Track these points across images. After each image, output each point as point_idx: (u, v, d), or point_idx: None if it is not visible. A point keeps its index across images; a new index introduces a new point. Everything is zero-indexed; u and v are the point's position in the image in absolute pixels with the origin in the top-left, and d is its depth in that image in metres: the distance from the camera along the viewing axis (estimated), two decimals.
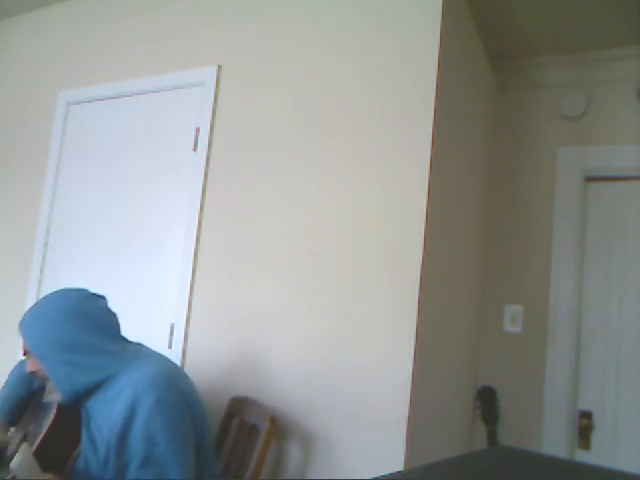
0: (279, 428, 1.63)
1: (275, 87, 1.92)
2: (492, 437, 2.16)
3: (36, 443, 1.30)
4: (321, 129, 1.80)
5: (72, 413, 1.34)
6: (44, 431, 1.31)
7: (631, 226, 2.21)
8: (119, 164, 2.24)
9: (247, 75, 1.99)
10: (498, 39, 2.26)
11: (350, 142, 1.74)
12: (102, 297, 1.39)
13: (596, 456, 2.11)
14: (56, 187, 2.41)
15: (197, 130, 2.05)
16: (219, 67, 2.06)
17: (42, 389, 1.44)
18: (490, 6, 2.04)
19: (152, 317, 2.01)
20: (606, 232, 2.25)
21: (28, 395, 1.49)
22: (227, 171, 1.97)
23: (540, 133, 2.39)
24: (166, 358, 1.38)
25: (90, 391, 1.25)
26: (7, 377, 1.55)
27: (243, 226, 1.89)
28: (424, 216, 1.58)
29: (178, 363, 1.88)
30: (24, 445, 1.29)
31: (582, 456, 2.13)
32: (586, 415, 2.16)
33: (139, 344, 1.42)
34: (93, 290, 1.39)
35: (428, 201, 1.59)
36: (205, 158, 2.01)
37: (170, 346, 1.93)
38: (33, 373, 1.30)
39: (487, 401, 2.22)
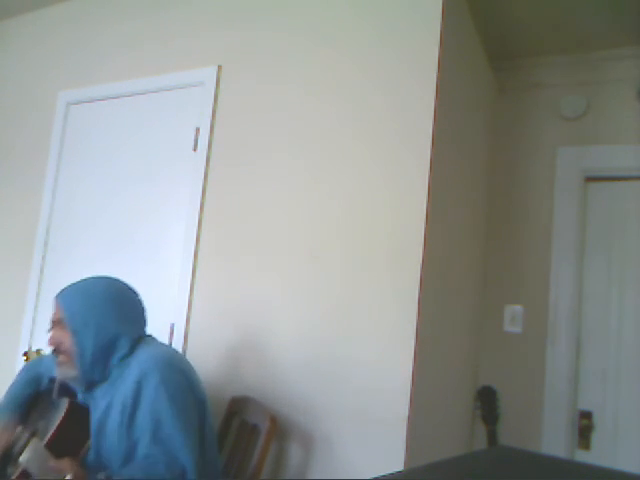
0: (279, 428, 1.63)
1: (275, 87, 1.92)
2: (492, 437, 2.16)
3: (47, 437, 1.31)
4: (321, 129, 1.80)
5: (82, 410, 1.36)
6: (55, 426, 1.33)
7: (631, 226, 2.21)
8: (119, 164, 2.24)
9: (247, 75, 2.00)
10: (498, 39, 2.25)
11: (350, 142, 1.74)
12: (137, 292, 1.46)
13: (596, 456, 2.11)
14: (56, 187, 2.41)
15: (197, 130, 2.05)
16: (219, 67, 2.06)
17: (50, 390, 1.46)
18: (490, 6, 2.04)
19: (152, 317, 2.00)
20: (606, 232, 2.25)
21: (36, 394, 1.51)
22: (227, 171, 1.97)
23: (540, 133, 2.39)
24: (170, 346, 1.48)
25: (105, 378, 1.31)
26: (16, 376, 1.56)
27: (243, 226, 1.89)
28: (424, 216, 1.58)
29: None
30: (34, 440, 1.30)
31: (582, 456, 2.13)
32: (586, 415, 2.16)
33: (150, 336, 1.48)
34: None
35: (428, 201, 1.59)
36: (205, 158, 2.01)
37: (170, 345, 1.93)
38: (55, 345, 1.32)
39: (487, 401, 2.22)
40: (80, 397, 1.39)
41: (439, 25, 1.65)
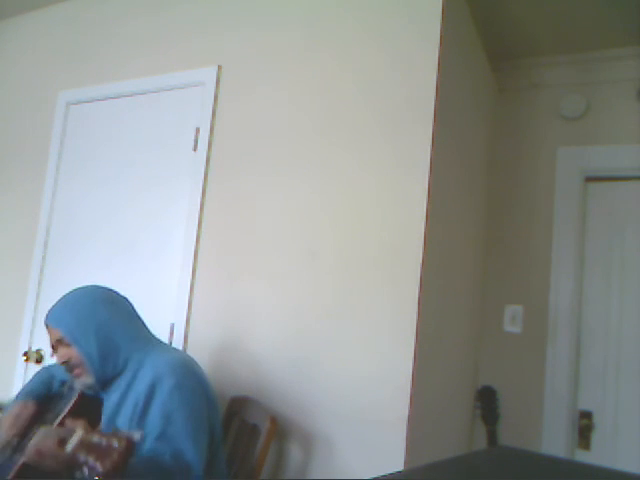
0: (279, 428, 1.63)
1: (275, 87, 1.92)
2: (492, 437, 2.16)
3: (56, 423, 1.33)
4: (321, 129, 1.80)
5: (92, 402, 1.38)
6: (65, 412, 1.34)
7: (631, 226, 2.21)
8: (119, 164, 2.24)
9: (247, 75, 2.00)
10: (498, 39, 2.26)
11: (350, 142, 1.74)
12: (117, 292, 1.48)
13: (596, 456, 2.11)
14: (56, 187, 2.41)
15: (197, 130, 2.05)
16: (219, 67, 2.06)
17: (59, 393, 1.49)
18: (490, 6, 2.04)
19: (152, 317, 2.00)
20: (606, 232, 2.25)
21: (48, 394, 1.53)
22: (227, 171, 1.97)
23: (540, 133, 2.39)
24: (184, 351, 1.52)
25: (117, 375, 1.33)
26: (29, 380, 1.59)
27: (243, 226, 1.89)
28: (424, 216, 1.58)
29: None
30: (42, 427, 1.30)
31: (582, 456, 2.13)
32: (586, 415, 2.16)
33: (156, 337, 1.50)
34: None
35: (428, 201, 1.59)
36: (205, 158, 2.01)
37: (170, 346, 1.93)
38: (65, 364, 1.34)
39: (487, 401, 2.22)
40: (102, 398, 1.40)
41: (439, 25, 1.65)
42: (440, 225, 1.73)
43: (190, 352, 1.91)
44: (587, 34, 2.18)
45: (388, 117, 1.69)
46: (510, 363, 2.28)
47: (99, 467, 0.93)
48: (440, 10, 1.66)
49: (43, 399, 1.51)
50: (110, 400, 1.34)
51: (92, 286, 1.45)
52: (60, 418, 1.34)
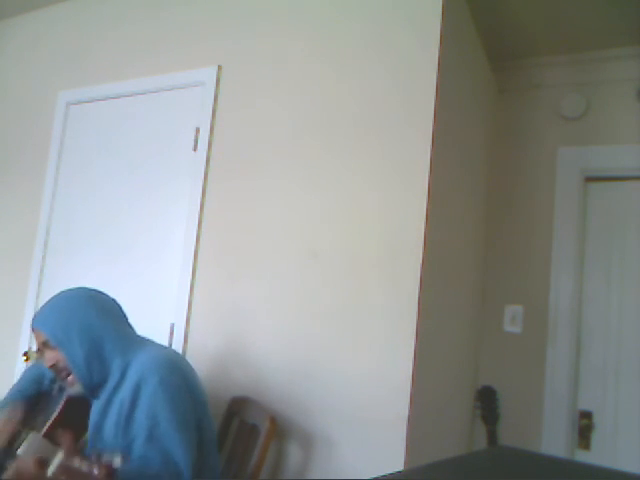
0: (279, 428, 1.63)
1: (275, 87, 1.92)
2: (492, 437, 2.16)
3: (44, 429, 1.32)
4: (321, 129, 1.80)
5: (79, 403, 1.37)
6: (53, 418, 1.34)
7: (631, 226, 2.21)
8: (119, 164, 2.24)
9: (247, 75, 1.99)
10: (498, 39, 2.25)
11: (351, 142, 1.74)
12: (108, 295, 1.45)
13: (596, 456, 2.11)
14: (56, 187, 2.41)
15: (197, 130, 2.05)
16: (219, 67, 2.06)
17: (50, 391, 1.47)
18: (490, 6, 2.04)
19: (152, 317, 2.01)
20: (606, 232, 2.25)
21: (37, 395, 1.51)
22: (227, 171, 1.97)
23: (540, 133, 2.39)
24: (172, 348, 1.48)
25: (104, 379, 1.31)
26: (19, 378, 1.58)
27: (243, 226, 1.89)
28: (424, 216, 1.58)
29: None
30: (32, 433, 1.30)
31: (582, 456, 2.13)
32: (586, 415, 2.16)
33: (144, 337, 1.47)
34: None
35: (428, 201, 1.59)
36: (205, 158, 2.01)
37: (170, 346, 1.93)
38: (52, 367, 1.33)
39: (487, 401, 2.22)
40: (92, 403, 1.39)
41: (439, 25, 1.65)
42: (440, 225, 1.73)
43: (190, 352, 1.91)
44: (587, 34, 2.18)
45: (388, 117, 1.69)
46: (510, 363, 2.28)
47: None
48: (440, 10, 1.66)
49: (34, 398, 1.49)
50: (97, 404, 1.33)
51: (78, 288, 1.43)
52: (49, 424, 1.33)
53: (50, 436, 1.30)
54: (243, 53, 2.02)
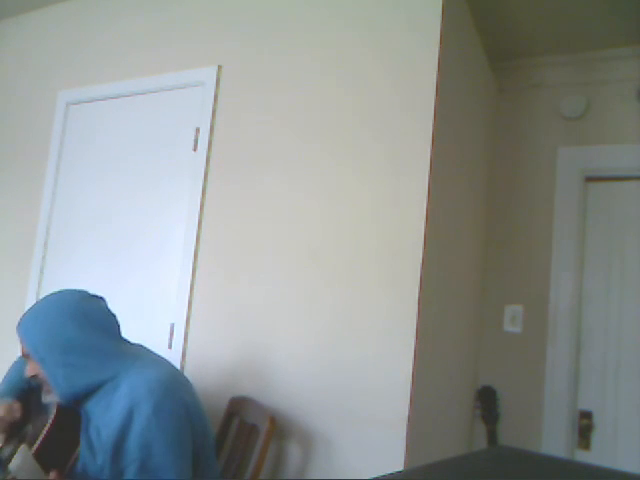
0: (279, 428, 1.63)
1: (275, 87, 1.92)
2: (492, 437, 2.16)
3: (36, 445, 1.29)
4: (321, 129, 1.80)
5: (72, 415, 1.32)
6: (44, 433, 1.30)
7: (631, 226, 2.21)
8: (119, 164, 2.24)
9: (247, 75, 1.99)
10: (498, 39, 2.25)
11: (350, 141, 1.74)
12: (101, 298, 1.38)
13: (596, 456, 2.11)
14: (56, 187, 2.41)
15: (197, 130, 2.05)
16: (219, 67, 2.06)
17: (39, 389, 1.43)
18: (490, 6, 2.04)
19: (152, 317, 2.01)
20: (606, 232, 2.25)
21: (29, 389, 1.46)
22: (227, 171, 1.97)
23: (540, 133, 2.39)
24: (167, 362, 1.37)
25: (89, 393, 1.24)
26: (7, 372, 1.53)
27: (243, 226, 1.89)
28: (424, 216, 1.58)
29: (178, 363, 1.88)
30: (23, 446, 1.28)
31: (582, 456, 2.13)
32: (586, 415, 2.16)
33: (140, 345, 1.41)
34: (92, 291, 1.39)
35: (428, 201, 1.59)
36: (205, 158, 2.01)
37: (170, 346, 1.93)
38: (33, 377, 1.29)
39: (487, 401, 2.22)
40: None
41: (439, 25, 1.65)
42: (440, 225, 1.73)
43: (190, 352, 1.91)
44: (587, 34, 2.18)
45: (388, 117, 1.69)
46: (510, 363, 2.28)
47: None
48: (440, 10, 1.66)
49: (24, 395, 1.44)
50: (88, 419, 1.27)
51: (65, 294, 1.33)
52: (40, 440, 1.28)
53: (42, 452, 1.27)
54: (243, 53, 2.02)
